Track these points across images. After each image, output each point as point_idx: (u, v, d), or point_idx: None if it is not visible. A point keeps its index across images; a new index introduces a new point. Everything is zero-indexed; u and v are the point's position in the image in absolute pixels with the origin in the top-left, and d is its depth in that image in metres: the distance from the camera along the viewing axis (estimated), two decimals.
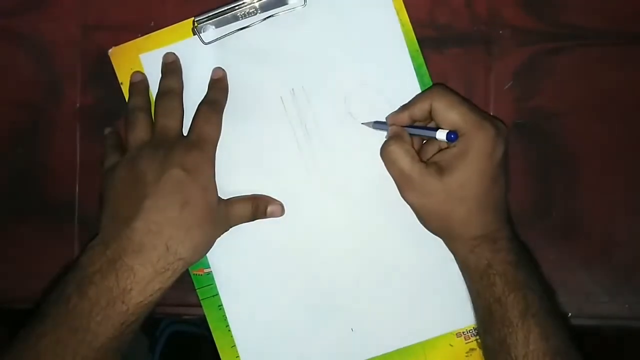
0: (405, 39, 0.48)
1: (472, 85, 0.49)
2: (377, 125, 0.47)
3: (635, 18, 0.48)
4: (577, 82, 0.49)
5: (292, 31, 0.48)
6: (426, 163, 0.44)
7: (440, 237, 0.46)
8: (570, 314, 0.49)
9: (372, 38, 0.48)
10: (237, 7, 0.48)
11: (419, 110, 0.44)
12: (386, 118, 0.47)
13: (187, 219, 0.43)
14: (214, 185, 0.45)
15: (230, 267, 0.49)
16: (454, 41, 0.49)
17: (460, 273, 0.46)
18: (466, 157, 0.42)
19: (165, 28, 0.48)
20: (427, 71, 0.48)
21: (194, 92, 0.48)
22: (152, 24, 0.49)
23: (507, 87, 0.49)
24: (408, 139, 0.45)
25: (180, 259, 0.42)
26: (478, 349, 0.49)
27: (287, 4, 0.48)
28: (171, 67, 0.49)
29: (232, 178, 0.48)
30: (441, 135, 0.42)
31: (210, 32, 0.48)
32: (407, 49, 0.48)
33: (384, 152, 0.45)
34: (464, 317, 0.48)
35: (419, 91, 0.48)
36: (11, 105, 0.50)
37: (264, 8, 0.48)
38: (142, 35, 0.49)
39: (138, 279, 0.41)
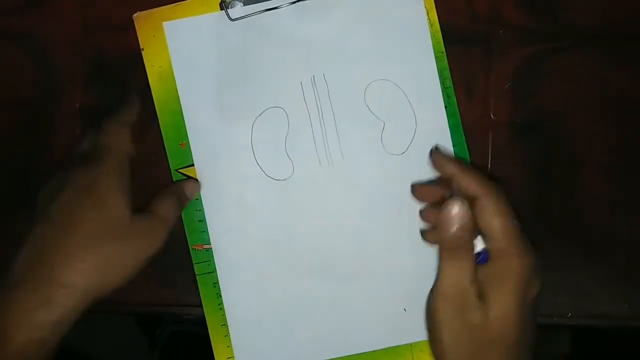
0: (432, 39, 0.48)
1: (472, 85, 0.49)
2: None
3: (635, 18, 0.48)
4: (577, 82, 0.49)
5: (320, 18, 0.48)
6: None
7: None
8: (570, 314, 0.49)
9: (400, 34, 0.48)
10: None
11: (465, 189, 0.40)
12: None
13: (75, 242, 0.39)
14: (118, 198, 0.41)
15: (230, 246, 0.49)
16: (453, 41, 0.49)
17: None
18: (503, 287, 0.36)
19: None
20: (449, 74, 0.48)
21: (214, 69, 0.48)
22: None
23: (507, 87, 0.49)
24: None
25: (67, 287, 0.38)
26: None
27: None
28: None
29: (245, 154, 0.48)
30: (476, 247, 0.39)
31: (238, 9, 0.48)
32: (432, 49, 0.48)
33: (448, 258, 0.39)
34: None
35: (440, 93, 0.48)
36: (11, 105, 0.50)
37: None
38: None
39: (17, 317, 0.37)
